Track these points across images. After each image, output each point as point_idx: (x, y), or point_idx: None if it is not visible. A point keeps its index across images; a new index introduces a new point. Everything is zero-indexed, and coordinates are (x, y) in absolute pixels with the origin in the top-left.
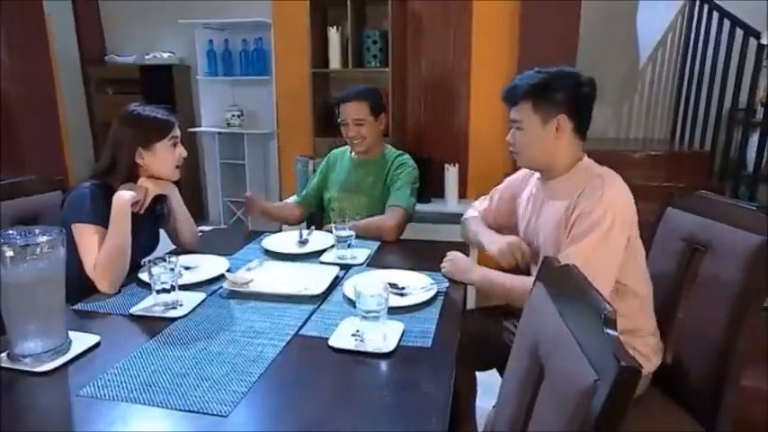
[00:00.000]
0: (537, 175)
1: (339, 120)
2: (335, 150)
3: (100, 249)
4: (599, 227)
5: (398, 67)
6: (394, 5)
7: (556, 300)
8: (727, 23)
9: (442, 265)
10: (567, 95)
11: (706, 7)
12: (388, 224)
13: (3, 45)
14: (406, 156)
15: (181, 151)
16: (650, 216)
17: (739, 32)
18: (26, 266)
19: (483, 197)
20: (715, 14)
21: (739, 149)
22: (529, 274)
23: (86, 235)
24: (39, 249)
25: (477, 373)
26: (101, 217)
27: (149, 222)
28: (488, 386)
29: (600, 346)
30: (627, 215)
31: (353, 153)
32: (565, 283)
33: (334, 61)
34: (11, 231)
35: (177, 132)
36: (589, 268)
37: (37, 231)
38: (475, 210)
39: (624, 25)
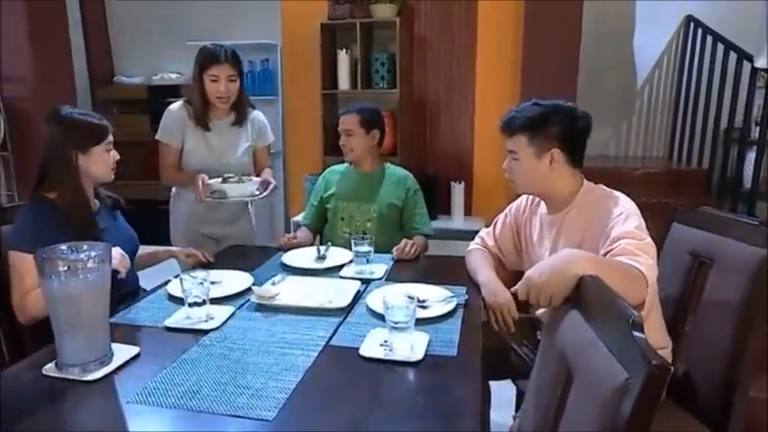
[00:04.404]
0: (542, 206)
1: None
2: (333, 167)
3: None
4: (633, 218)
5: (405, 88)
6: (401, 29)
7: (581, 309)
8: (720, 47)
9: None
10: (561, 130)
11: (700, 31)
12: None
13: (30, 67)
14: (411, 175)
15: (114, 155)
16: (650, 232)
17: (733, 55)
18: (77, 280)
19: (487, 229)
20: (709, 38)
21: (736, 167)
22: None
23: (21, 264)
24: (89, 264)
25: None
26: (40, 242)
27: (115, 225)
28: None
29: (628, 348)
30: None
31: (351, 164)
32: (587, 294)
33: (344, 82)
34: (62, 247)
35: (111, 138)
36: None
37: (85, 247)
38: (479, 240)
39: (621, 48)
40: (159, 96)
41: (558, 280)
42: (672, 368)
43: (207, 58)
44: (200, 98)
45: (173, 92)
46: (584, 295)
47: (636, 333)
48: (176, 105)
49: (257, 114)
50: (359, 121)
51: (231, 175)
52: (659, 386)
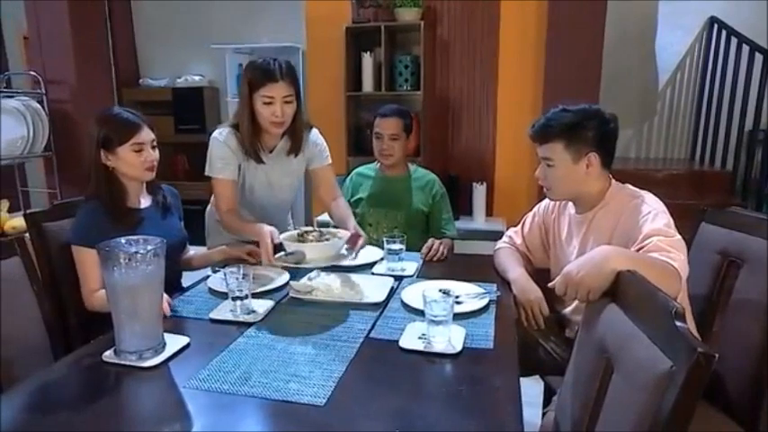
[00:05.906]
0: (570, 206)
1: (374, 132)
2: (358, 169)
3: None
4: (662, 215)
5: (429, 90)
6: (425, 32)
7: (620, 303)
8: (746, 48)
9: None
10: (596, 134)
11: (724, 33)
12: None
13: (73, 70)
14: (437, 178)
15: (148, 155)
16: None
17: (759, 57)
18: (135, 271)
19: (515, 229)
20: (733, 40)
21: (761, 169)
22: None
23: (83, 259)
24: (148, 256)
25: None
26: (95, 237)
27: (160, 222)
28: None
29: (671, 338)
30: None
31: (381, 167)
32: (627, 288)
33: (367, 85)
34: (121, 239)
35: (142, 138)
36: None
37: (141, 240)
38: (507, 238)
39: (643, 50)
40: (183, 97)
41: (596, 275)
42: (716, 356)
43: (258, 76)
44: (249, 124)
45: (196, 93)
46: (623, 289)
47: (679, 323)
48: (223, 133)
49: (313, 136)
50: (403, 125)
51: (310, 229)
52: (704, 374)
